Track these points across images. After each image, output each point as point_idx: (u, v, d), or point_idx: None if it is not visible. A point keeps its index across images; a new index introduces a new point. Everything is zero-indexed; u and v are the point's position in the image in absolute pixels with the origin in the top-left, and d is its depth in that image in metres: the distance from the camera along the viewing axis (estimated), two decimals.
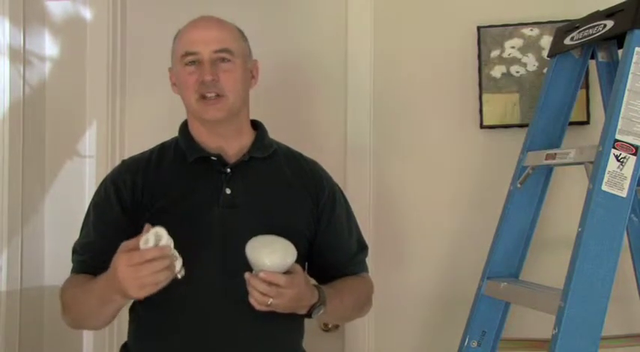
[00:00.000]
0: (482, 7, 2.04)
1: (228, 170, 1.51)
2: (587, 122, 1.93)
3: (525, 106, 1.97)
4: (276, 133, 1.64)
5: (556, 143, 1.76)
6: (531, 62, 1.98)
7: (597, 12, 1.65)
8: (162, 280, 1.26)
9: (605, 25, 1.59)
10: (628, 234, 1.71)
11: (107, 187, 1.53)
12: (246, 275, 1.34)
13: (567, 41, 1.73)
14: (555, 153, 1.63)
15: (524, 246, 1.75)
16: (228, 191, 1.49)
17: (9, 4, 2.13)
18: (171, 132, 1.61)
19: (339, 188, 1.67)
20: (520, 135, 1.83)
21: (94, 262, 1.47)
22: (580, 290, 1.38)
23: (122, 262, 1.26)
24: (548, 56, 1.84)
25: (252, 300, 1.33)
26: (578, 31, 1.70)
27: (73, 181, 2.26)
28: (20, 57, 2.19)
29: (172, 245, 1.27)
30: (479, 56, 2.02)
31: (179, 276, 1.29)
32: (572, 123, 1.83)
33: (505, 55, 2.00)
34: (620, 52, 1.63)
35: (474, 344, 1.72)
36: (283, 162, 1.59)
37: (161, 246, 1.25)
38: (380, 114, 2.11)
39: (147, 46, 2.27)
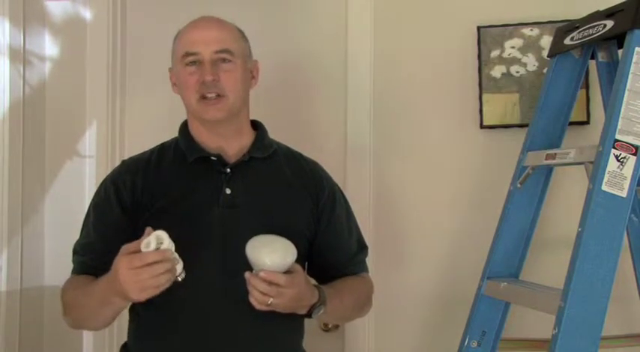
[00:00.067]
0: (483, 7, 2.04)
1: (228, 170, 1.51)
2: (587, 122, 1.93)
3: (525, 106, 1.97)
4: (276, 133, 1.64)
5: (556, 143, 1.76)
6: (531, 62, 1.98)
7: (597, 12, 1.65)
8: (163, 283, 1.26)
9: (605, 25, 1.59)
10: (628, 234, 1.71)
11: (107, 187, 1.53)
12: (247, 274, 1.34)
13: (567, 41, 1.73)
14: (555, 153, 1.63)
15: (524, 246, 1.75)
16: (228, 191, 1.49)
17: (9, 4, 2.13)
18: (172, 133, 1.61)
19: (339, 188, 1.67)
20: (520, 135, 1.83)
21: (94, 263, 1.47)
22: (580, 290, 1.38)
23: (123, 265, 1.26)
24: (548, 56, 1.84)
25: (252, 300, 1.33)
26: (578, 31, 1.70)
27: (73, 181, 2.26)
28: (20, 57, 2.19)
29: (173, 248, 1.27)
30: (479, 56, 2.02)
31: (179, 279, 1.29)
32: (572, 123, 1.83)
33: (505, 55, 2.00)
34: (620, 52, 1.63)
35: (474, 344, 1.72)
36: (283, 162, 1.59)
37: (162, 250, 1.25)
38: (380, 114, 2.11)
39: (147, 46, 2.27)
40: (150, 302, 1.31)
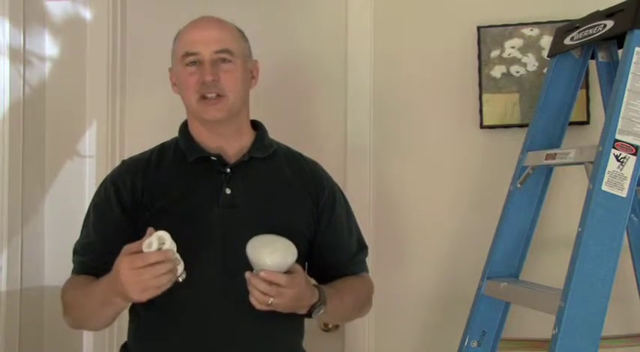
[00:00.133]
0: (483, 7, 2.04)
1: (228, 170, 1.51)
2: (587, 122, 1.93)
3: (525, 106, 1.97)
4: (276, 133, 1.64)
5: (556, 143, 1.76)
6: (531, 62, 1.98)
7: (597, 12, 1.65)
8: (164, 283, 1.26)
9: (605, 25, 1.59)
10: (628, 234, 1.71)
11: (107, 188, 1.53)
12: (247, 274, 1.34)
13: (567, 41, 1.73)
14: (555, 153, 1.63)
15: (524, 246, 1.75)
16: (228, 191, 1.49)
17: (9, 4, 2.13)
18: (172, 133, 1.61)
19: (339, 188, 1.67)
20: (520, 135, 1.83)
21: (94, 263, 1.47)
22: (580, 290, 1.38)
23: (125, 265, 1.26)
24: (548, 56, 1.84)
25: (252, 300, 1.33)
26: (578, 31, 1.70)
27: (73, 181, 2.26)
28: (20, 57, 2.19)
29: (175, 249, 1.27)
30: (479, 56, 2.02)
31: (180, 280, 1.29)
32: (572, 123, 1.83)
33: (505, 55, 2.00)
34: (620, 52, 1.63)
35: (474, 344, 1.72)
36: (283, 162, 1.59)
37: (164, 250, 1.25)
38: (380, 114, 2.11)
39: (147, 46, 2.27)
40: (150, 303, 1.31)
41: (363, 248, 1.67)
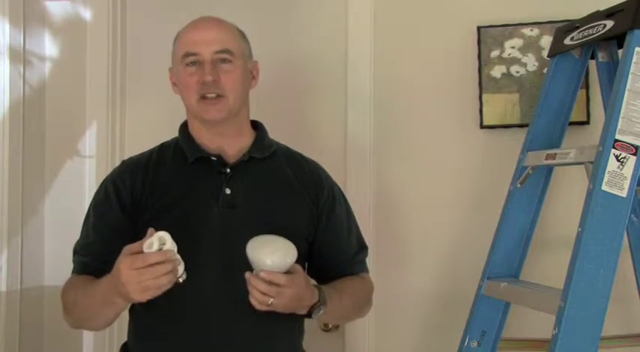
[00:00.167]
0: (483, 7, 2.04)
1: (228, 170, 1.51)
2: (587, 122, 1.93)
3: (525, 106, 1.97)
4: (276, 133, 1.64)
5: (556, 143, 1.76)
6: (531, 62, 1.98)
7: (597, 12, 1.65)
8: (164, 284, 1.26)
9: (605, 25, 1.59)
10: (628, 234, 1.71)
11: (107, 188, 1.54)
12: (247, 274, 1.34)
13: (567, 41, 1.73)
14: (555, 153, 1.63)
15: (524, 246, 1.75)
16: (227, 191, 1.49)
17: (9, 4, 2.13)
18: (171, 133, 1.61)
19: (339, 188, 1.67)
20: (520, 135, 1.83)
21: (95, 263, 1.47)
22: (580, 290, 1.38)
23: (125, 265, 1.26)
24: (548, 56, 1.84)
25: (252, 300, 1.33)
26: (578, 31, 1.70)
27: (73, 181, 2.26)
28: (20, 57, 2.19)
29: (176, 249, 1.27)
30: (479, 56, 2.02)
31: (180, 281, 1.29)
32: (572, 123, 1.83)
33: (505, 55, 2.00)
34: (620, 52, 1.63)
35: (474, 344, 1.72)
36: (283, 162, 1.59)
37: (165, 251, 1.25)
38: (380, 114, 2.11)
39: (147, 47, 2.27)
40: (150, 303, 1.31)
41: (362, 248, 1.67)
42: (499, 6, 2.03)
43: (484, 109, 2.01)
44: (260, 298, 1.32)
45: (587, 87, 1.92)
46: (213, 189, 1.49)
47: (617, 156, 1.43)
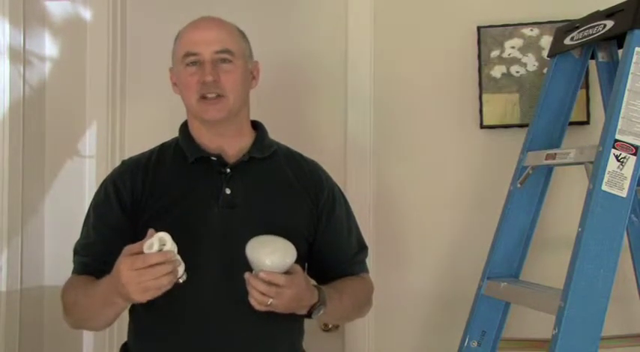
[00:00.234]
0: (483, 7, 2.04)
1: (228, 170, 1.51)
2: (587, 122, 1.93)
3: (525, 106, 1.97)
4: (276, 133, 1.64)
5: (556, 143, 1.76)
6: (531, 62, 1.98)
7: (597, 12, 1.65)
8: (165, 284, 1.26)
9: (605, 25, 1.59)
10: (628, 234, 1.71)
11: (107, 188, 1.54)
12: (246, 275, 1.34)
13: (567, 41, 1.73)
14: (555, 153, 1.63)
15: (524, 246, 1.75)
16: (227, 191, 1.49)
17: (9, 4, 2.13)
18: (171, 133, 1.61)
19: (339, 188, 1.67)
20: (520, 135, 1.83)
21: (95, 263, 1.47)
22: (580, 290, 1.38)
23: (125, 266, 1.26)
24: (548, 56, 1.84)
25: (251, 300, 1.33)
26: (578, 31, 1.70)
27: (73, 181, 2.26)
28: (20, 57, 2.19)
29: (176, 250, 1.27)
30: (479, 56, 2.02)
31: (180, 281, 1.29)
32: (572, 123, 1.83)
33: (505, 55, 2.00)
34: (620, 52, 1.63)
35: (474, 344, 1.72)
36: (283, 162, 1.59)
37: (165, 251, 1.25)
38: (380, 114, 2.11)
39: (147, 47, 2.27)
40: (150, 303, 1.31)
41: (362, 248, 1.67)
42: (499, 6, 2.03)
43: (484, 109, 2.01)
44: (259, 298, 1.32)
45: (587, 87, 1.92)
46: (213, 189, 1.49)
47: (617, 156, 1.43)
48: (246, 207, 1.49)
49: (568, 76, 1.76)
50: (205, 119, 1.51)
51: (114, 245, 1.34)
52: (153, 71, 2.05)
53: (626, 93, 1.45)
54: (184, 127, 1.59)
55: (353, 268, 1.63)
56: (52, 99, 2.30)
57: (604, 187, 1.41)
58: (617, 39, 1.65)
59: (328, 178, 1.64)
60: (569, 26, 1.75)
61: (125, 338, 1.57)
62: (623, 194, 1.41)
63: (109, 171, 1.64)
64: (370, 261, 1.70)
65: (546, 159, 1.66)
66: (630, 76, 1.46)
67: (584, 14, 1.70)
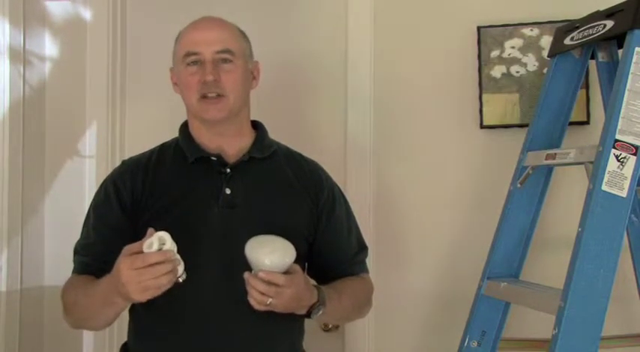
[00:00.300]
0: (483, 7, 2.04)
1: (228, 170, 1.51)
2: (587, 122, 1.93)
3: (525, 106, 1.97)
4: (276, 133, 1.64)
5: (556, 143, 1.76)
6: (531, 62, 1.98)
7: (597, 12, 1.65)
8: (164, 284, 1.26)
9: (605, 25, 1.59)
10: (628, 234, 1.71)
11: (107, 188, 1.54)
12: (246, 274, 1.34)
13: (567, 41, 1.73)
14: (555, 153, 1.63)
15: (524, 246, 1.75)
16: (227, 191, 1.49)
17: (9, 4, 2.13)
18: (172, 133, 1.61)
19: (339, 188, 1.67)
20: (520, 135, 1.83)
21: (95, 263, 1.47)
22: (580, 290, 1.38)
23: (125, 265, 1.26)
24: (548, 56, 1.84)
25: (251, 300, 1.33)
26: (578, 31, 1.70)
27: (73, 181, 2.26)
28: (20, 57, 2.19)
29: (176, 249, 1.27)
30: (479, 56, 2.02)
31: (180, 280, 1.29)
32: (572, 123, 1.83)
33: (505, 55, 2.00)
34: (620, 52, 1.63)
35: (474, 344, 1.72)
36: (283, 162, 1.59)
37: (164, 251, 1.25)
38: (380, 114, 2.11)
39: (147, 47, 2.27)
40: (150, 303, 1.31)
41: (362, 248, 1.67)
42: (499, 6, 2.03)
43: (484, 109, 2.01)
44: (259, 298, 1.32)
45: (587, 87, 1.92)
46: (213, 189, 1.49)
47: (617, 156, 1.43)
48: (246, 207, 1.49)
49: (568, 76, 1.76)
50: (206, 119, 1.51)
51: (114, 245, 1.34)
52: (153, 71, 2.05)
53: (626, 93, 1.45)
54: (184, 127, 1.59)
55: (353, 268, 1.63)
56: (52, 99, 2.30)
57: (604, 187, 1.41)
58: (617, 39, 1.65)
59: (328, 178, 1.64)
60: (569, 26, 1.75)
61: (125, 338, 1.57)
62: (623, 194, 1.41)
63: (109, 171, 1.64)
64: (370, 261, 1.70)
65: (546, 159, 1.66)
66: (630, 76, 1.46)
67: (584, 14, 1.70)
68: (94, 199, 1.57)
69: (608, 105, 1.53)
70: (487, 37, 2.01)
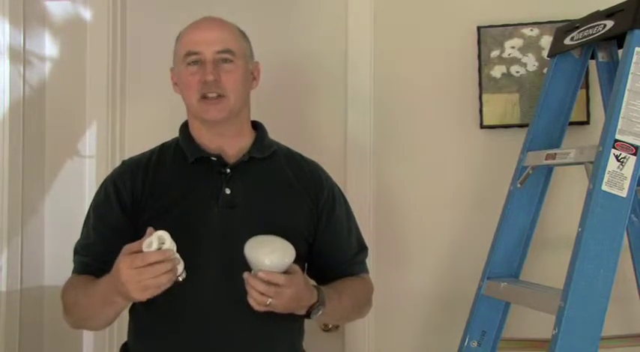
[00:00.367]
0: (483, 7, 2.04)
1: (228, 170, 1.51)
2: (587, 122, 1.93)
3: (525, 106, 1.97)
4: (276, 133, 1.64)
5: (556, 143, 1.76)
6: (531, 62, 1.98)
7: (597, 12, 1.65)
8: (164, 283, 1.26)
9: (605, 25, 1.59)
10: (628, 234, 1.71)
11: (107, 188, 1.54)
12: (245, 274, 1.34)
13: (567, 41, 1.73)
14: (555, 153, 1.63)
15: (524, 246, 1.75)
16: (227, 191, 1.49)
17: (9, 4, 2.13)
18: (171, 133, 1.61)
19: (339, 188, 1.67)
20: (520, 135, 1.83)
21: (95, 263, 1.47)
22: (580, 290, 1.38)
23: (125, 265, 1.26)
24: (548, 56, 1.84)
25: (250, 300, 1.33)
26: (578, 31, 1.70)
27: (73, 181, 2.26)
28: (20, 57, 2.19)
29: (175, 248, 1.27)
30: (479, 56, 2.02)
31: (180, 279, 1.29)
32: (572, 123, 1.83)
33: (505, 55, 2.00)
34: (620, 52, 1.63)
35: (474, 344, 1.72)
36: (283, 162, 1.59)
37: (164, 250, 1.25)
38: (380, 114, 2.11)
39: (147, 47, 2.27)
40: (150, 302, 1.32)
41: (362, 248, 1.67)
42: (499, 6, 2.03)
43: (484, 109, 2.01)
44: (258, 298, 1.32)
45: (587, 87, 1.92)
46: (213, 189, 1.49)
47: (617, 156, 1.43)
48: (246, 207, 1.49)
49: (568, 76, 1.77)
50: (206, 119, 1.51)
51: (114, 245, 1.34)
52: (153, 71, 2.05)
53: (626, 93, 1.45)
54: (184, 127, 1.59)
55: (353, 268, 1.63)
56: (52, 99, 2.30)
57: (604, 187, 1.41)
58: (617, 39, 1.65)
59: (328, 178, 1.64)
60: (569, 26, 1.75)
61: (125, 338, 1.57)
62: (623, 194, 1.41)
63: (109, 171, 1.64)
64: (370, 261, 1.70)
65: (546, 159, 1.66)
66: (630, 76, 1.46)
67: (584, 14, 1.70)
68: (94, 199, 1.57)
69: (608, 105, 1.53)
70: (487, 37, 2.01)
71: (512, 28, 1.99)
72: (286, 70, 2.15)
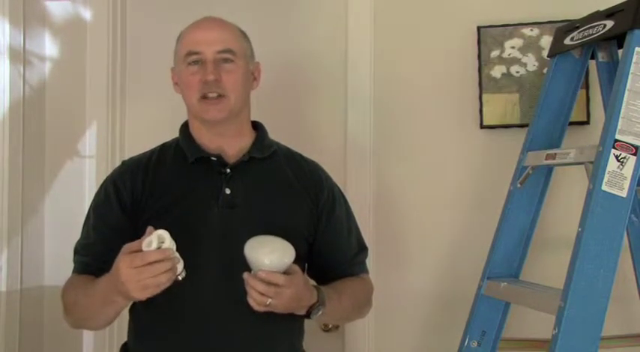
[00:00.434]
0: (483, 7, 2.04)
1: (228, 170, 1.51)
2: (587, 122, 1.93)
3: (525, 106, 1.97)
4: (277, 133, 1.64)
5: (556, 143, 1.76)
6: (531, 62, 1.98)
7: (597, 12, 1.65)
8: (164, 282, 1.26)
9: (605, 25, 1.59)
10: (628, 234, 1.71)
11: (107, 188, 1.54)
12: (245, 275, 1.34)
13: (567, 41, 1.73)
14: (555, 153, 1.63)
15: (524, 246, 1.75)
16: (227, 191, 1.49)
17: (9, 4, 2.13)
18: (172, 133, 1.61)
19: (339, 189, 1.67)
20: (520, 135, 1.83)
21: (95, 263, 1.47)
22: (580, 290, 1.38)
23: (124, 264, 1.26)
24: (548, 56, 1.84)
25: (250, 300, 1.33)
26: (578, 31, 1.70)
27: (73, 181, 2.26)
28: (20, 57, 2.19)
29: (175, 248, 1.27)
30: (479, 56, 2.02)
31: (180, 278, 1.29)
32: (572, 123, 1.83)
33: (505, 55, 2.00)
34: (620, 52, 1.63)
35: (474, 344, 1.72)
36: (283, 162, 1.59)
37: (163, 249, 1.25)
38: (380, 114, 2.11)
39: (147, 47, 2.27)
40: (150, 302, 1.32)
41: (362, 249, 1.67)
42: (499, 6, 2.03)
43: (484, 109, 2.01)
44: (258, 298, 1.32)
45: (587, 87, 1.92)
46: (213, 189, 1.49)
47: (617, 156, 1.43)
48: (246, 207, 1.49)
49: (568, 76, 1.77)
50: (206, 119, 1.51)
51: (114, 245, 1.34)
52: (153, 71, 2.05)
53: (626, 93, 1.45)
54: (185, 127, 1.59)
55: (353, 269, 1.63)
56: (52, 99, 2.30)
57: (604, 187, 1.41)
58: (617, 39, 1.65)
59: (328, 178, 1.64)
60: (569, 26, 1.75)
61: (125, 338, 1.57)
62: (623, 194, 1.41)
63: (109, 171, 1.64)
64: (370, 261, 1.70)
65: (546, 159, 1.66)
66: (630, 76, 1.46)
67: (584, 14, 1.70)
68: (94, 199, 1.57)
69: (608, 105, 1.53)
70: (487, 37, 2.01)
71: (512, 28, 1.99)
72: (286, 70, 2.15)
